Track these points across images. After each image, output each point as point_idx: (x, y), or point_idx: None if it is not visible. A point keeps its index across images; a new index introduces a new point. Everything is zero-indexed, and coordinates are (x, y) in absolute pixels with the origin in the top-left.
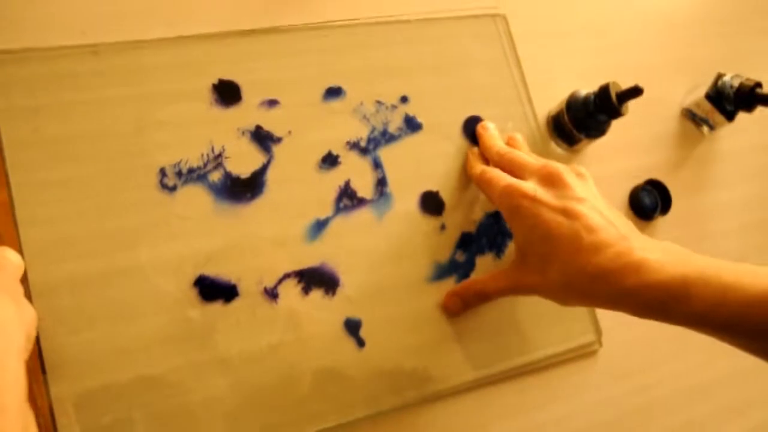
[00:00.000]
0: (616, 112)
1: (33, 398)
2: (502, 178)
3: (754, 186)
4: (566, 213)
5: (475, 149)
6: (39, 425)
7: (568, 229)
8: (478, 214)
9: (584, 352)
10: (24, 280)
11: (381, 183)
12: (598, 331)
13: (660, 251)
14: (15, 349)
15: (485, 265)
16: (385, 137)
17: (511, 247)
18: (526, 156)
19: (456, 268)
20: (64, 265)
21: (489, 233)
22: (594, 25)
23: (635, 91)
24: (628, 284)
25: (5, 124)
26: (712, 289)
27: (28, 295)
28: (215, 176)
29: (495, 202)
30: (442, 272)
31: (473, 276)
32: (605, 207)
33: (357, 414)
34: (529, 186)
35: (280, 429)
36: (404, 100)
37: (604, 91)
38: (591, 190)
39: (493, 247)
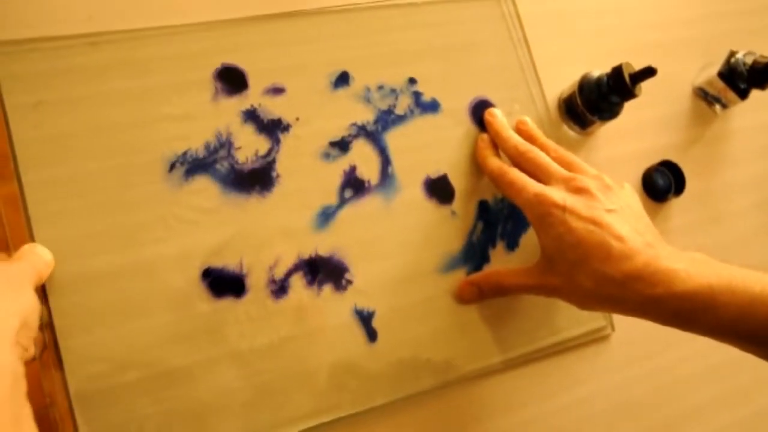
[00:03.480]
0: (629, 94)
1: (52, 394)
2: (528, 183)
3: (767, 164)
4: (595, 222)
5: (485, 136)
6: (56, 421)
7: (598, 236)
8: (489, 199)
9: (598, 336)
10: None
11: (388, 168)
12: (607, 316)
13: (687, 261)
14: (4, 336)
15: (498, 256)
16: (393, 121)
17: (524, 241)
18: (548, 159)
19: (468, 258)
20: (76, 262)
21: (499, 219)
22: (603, 5)
23: (649, 72)
24: (656, 293)
25: (14, 120)
26: (738, 300)
27: (43, 293)
28: (222, 166)
29: (520, 205)
30: (454, 262)
31: (486, 268)
32: (634, 216)
33: (373, 403)
34: (559, 195)
35: (293, 422)
36: (411, 83)
37: (617, 72)
38: (620, 201)
39: (504, 236)
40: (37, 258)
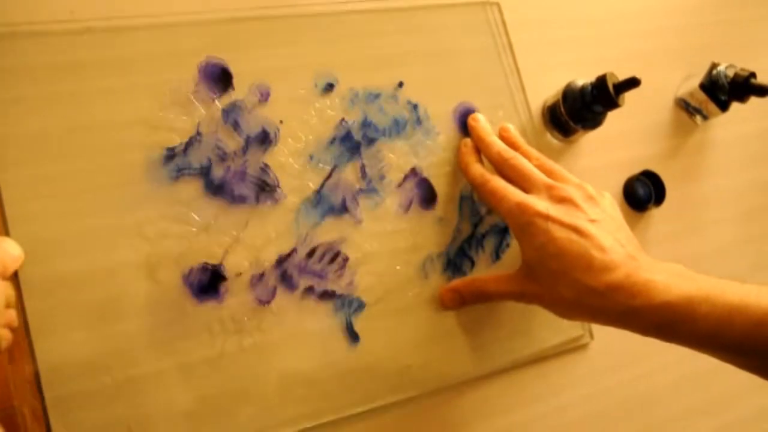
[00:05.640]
0: (613, 103)
1: (21, 395)
2: (510, 192)
3: (746, 175)
4: (578, 232)
5: (469, 141)
6: (23, 421)
7: (580, 247)
8: (473, 204)
9: (577, 345)
10: (14, 279)
11: (373, 173)
12: (585, 325)
13: (666, 272)
14: None
15: (481, 265)
16: (378, 125)
17: (509, 252)
18: (531, 166)
19: (451, 264)
20: (53, 263)
21: (483, 226)
22: (588, 14)
23: (632, 82)
24: (636, 304)
25: None
26: (718, 311)
27: (19, 295)
28: (204, 167)
29: (501, 214)
30: (436, 268)
31: (471, 275)
32: (615, 227)
33: (351, 410)
34: (542, 204)
35: (273, 428)
36: (397, 88)
37: (602, 82)
38: (602, 212)
39: (487, 246)
40: (2, 250)
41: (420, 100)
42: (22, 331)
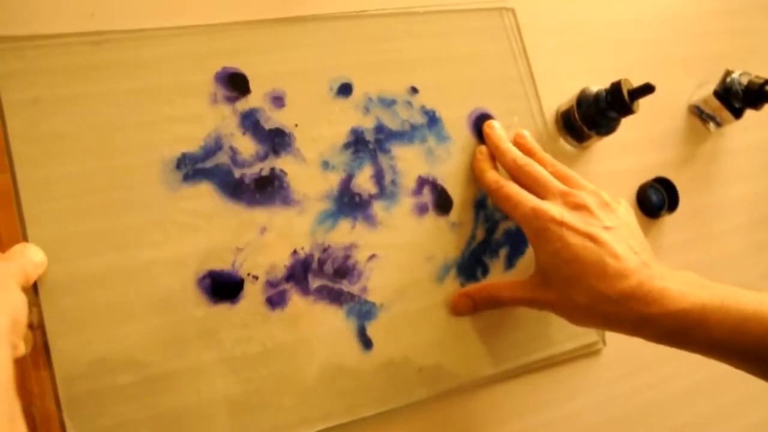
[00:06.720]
0: (627, 110)
1: (37, 395)
2: (525, 198)
3: (760, 183)
4: (592, 239)
5: (484, 149)
6: (39, 422)
7: (594, 254)
8: (487, 211)
9: (590, 351)
10: None
11: (387, 177)
12: (599, 331)
13: (680, 280)
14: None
15: (495, 272)
16: (392, 130)
17: (523, 260)
18: (546, 173)
19: (464, 269)
20: (70, 263)
21: (497, 233)
22: (603, 21)
23: (647, 89)
24: (650, 312)
25: (10, 117)
26: (731, 319)
27: (35, 292)
28: (220, 171)
29: (516, 220)
30: (450, 273)
31: (485, 280)
32: (630, 234)
33: (364, 413)
34: (557, 210)
35: (284, 430)
36: (412, 93)
37: (616, 88)
38: (617, 219)
39: (500, 252)
40: (25, 259)
41: (434, 106)
42: (40, 332)
